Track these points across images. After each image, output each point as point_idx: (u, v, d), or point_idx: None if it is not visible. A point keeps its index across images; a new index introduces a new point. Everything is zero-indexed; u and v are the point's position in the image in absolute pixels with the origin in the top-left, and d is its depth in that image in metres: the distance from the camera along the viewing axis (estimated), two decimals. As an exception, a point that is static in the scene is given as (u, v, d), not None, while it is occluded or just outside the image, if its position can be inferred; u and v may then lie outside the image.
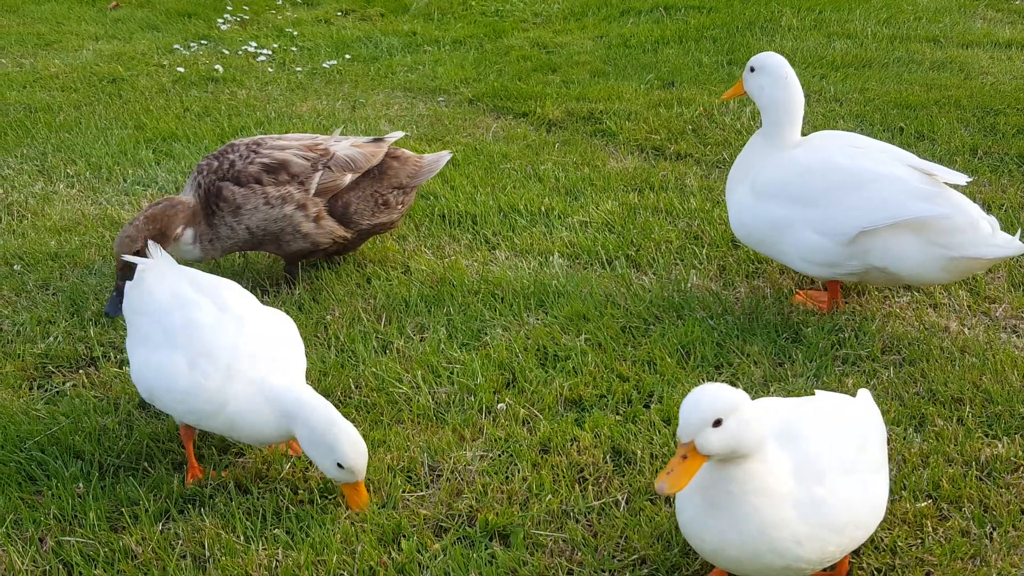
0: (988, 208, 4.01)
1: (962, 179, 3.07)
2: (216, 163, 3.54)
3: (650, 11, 7.35)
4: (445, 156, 3.81)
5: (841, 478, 2.07)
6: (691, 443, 1.94)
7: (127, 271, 3.10)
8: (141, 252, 3.12)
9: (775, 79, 3.27)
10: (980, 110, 5.05)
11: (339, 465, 2.41)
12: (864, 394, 2.36)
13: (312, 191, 3.50)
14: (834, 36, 6.49)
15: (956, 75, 5.64)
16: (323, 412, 2.41)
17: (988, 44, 6.22)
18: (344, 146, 3.61)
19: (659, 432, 2.76)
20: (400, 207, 3.70)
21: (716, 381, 2.98)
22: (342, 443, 2.39)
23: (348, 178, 3.55)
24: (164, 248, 3.12)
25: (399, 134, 3.78)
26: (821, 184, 3.08)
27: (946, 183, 3.05)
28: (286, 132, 5.20)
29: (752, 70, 3.37)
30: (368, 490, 2.55)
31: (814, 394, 2.34)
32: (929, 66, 5.82)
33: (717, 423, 1.93)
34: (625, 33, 6.83)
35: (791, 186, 3.16)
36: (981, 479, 2.55)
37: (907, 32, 6.50)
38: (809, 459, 2.07)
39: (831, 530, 2.04)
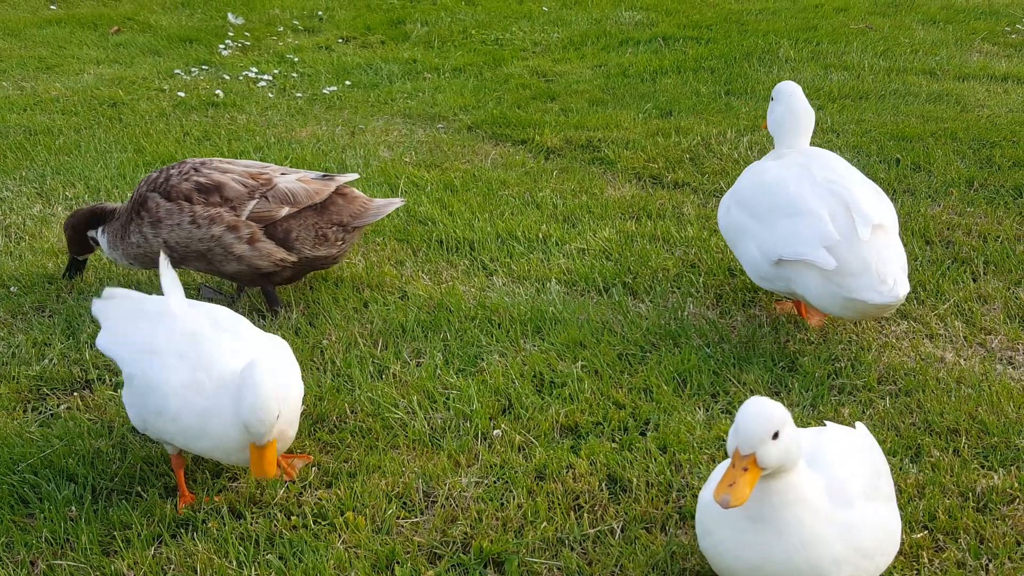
0: (984, 240, 4.03)
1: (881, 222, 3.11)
2: (156, 175, 3.63)
3: (648, 41, 7.43)
4: (396, 202, 3.76)
5: (866, 504, 2.08)
6: (751, 456, 1.94)
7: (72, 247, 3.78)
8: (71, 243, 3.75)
9: (781, 99, 3.49)
10: (976, 142, 5.09)
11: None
12: (861, 427, 2.36)
13: (244, 217, 3.48)
14: (831, 68, 6.57)
15: (952, 107, 5.70)
16: (247, 368, 2.36)
17: (984, 77, 6.29)
18: (289, 180, 3.58)
19: (655, 460, 2.76)
20: (340, 244, 3.62)
21: (712, 409, 2.99)
22: (244, 394, 2.31)
23: (284, 211, 3.51)
24: (83, 250, 3.81)
25: (352, 176, 3.74)
26: (768, 202, 3.27)
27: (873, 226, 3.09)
28: (286, 157, 5.24)
29: (772, 99, 3.59)
30: (364, 517, 2.53)
31: (823, 425, 2.35)
32: (925, 98, 5.88)
33: (775, 436, 1.94)
34: (624, 63, 6.90)
35: (751, 197, 3.36)
36: (977, 510, 2.55)
37: (904, 65, 6.57)
38: (837, 482, 2.08)
39: (862, 555, 2.04)
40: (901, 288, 2.98)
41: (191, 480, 2.75)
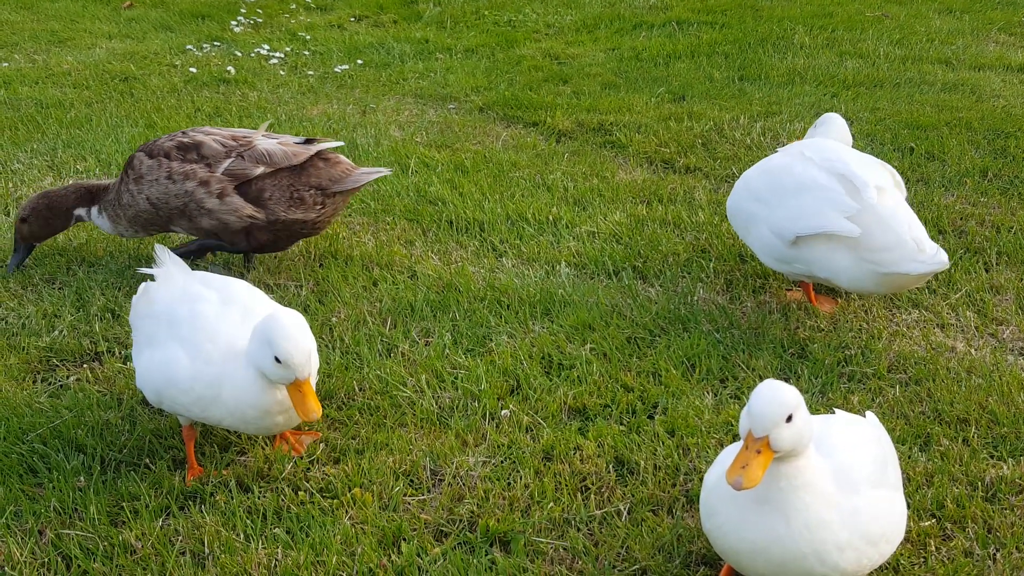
0: (997, 230, 4.01)
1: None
2: (149, 142, 3.71)
3: (662, 25, 7.37)
4: (381, 171, 3.71)
5: (872, 491, 2.08)
6: (765, 438, 1.94)
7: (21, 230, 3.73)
8: (28, 220, 3.71)
9: (822, 128, 3.70)
10: (991, 132, 5.04)
11: (276, 360, 2.33)
12: (871, 416, 2.36)
13: (218, 174, 3.52)
14: (846, 55, 6.51)
15: (967, 97, 5.65)
16: (269, 313, 2.41)
17: (1000, 67, 6.23)
18: (270, 142, 3.62)
19: (663, 443, 2.75)
20: (320, 208, 3.61)
21: (721, 394, 2.99)
22: (275, 332, 2.32)
23: (259, 170, 3.54)
24: (60, 227, 3.79)
25: (337, 143, 3.72)
26: (775, 185, 3.32)
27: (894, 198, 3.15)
28: (297, 135, 5.23)
29: (815, 126, 3.82)
30: (371, 494, 2.54)
31: (832, 412, 2.35)
32: (940, 87, 5.83)
33: (788, 419, 1.95)
34: (637, 46, 6.85)
35: (759, 183, 3.42)
36: (986, 500, 2.54)
37: (919, 53, 6.51)
38: (843, 469, 2.07)
39: (867, 541, 2.04)
40: (942, 254, 2.96)
41: (200, 453, 2.76)
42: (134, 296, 2.76)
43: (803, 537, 2.00)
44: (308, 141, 3.67)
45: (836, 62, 6.35)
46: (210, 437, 2.82)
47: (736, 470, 1.92)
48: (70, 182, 4.04)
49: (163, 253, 2.76)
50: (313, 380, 2.41)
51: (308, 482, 2.62)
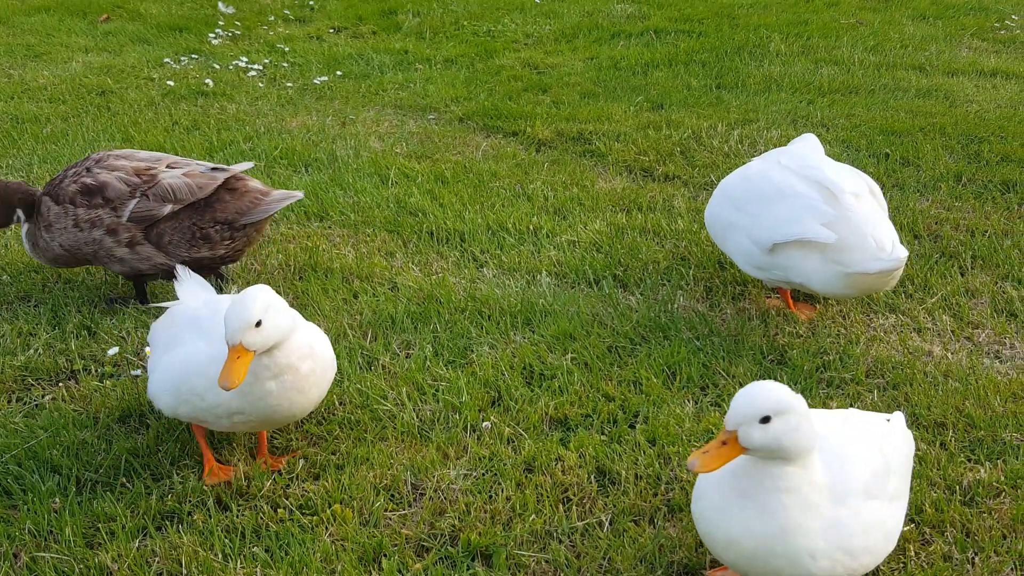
0: (972, 234, 4.05)
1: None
2: (60, 174, 3.58)
3: (640, 35, 7.41)
4: (294, 195, 3.55)
5: (863, 502, 2.07)
6: (735, 432, 1.97)
7: None
8: None
9: (796, 143, 3.70)
10: (964, 137, 5.10)
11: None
12: (898, 417, 2.34)
13: (125, 217, 3.41)
14: (822, 62, 6.57)
15: (941, 103, 5.71)
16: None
17: (973, 73, 6.30)
18: (174, 174, 3.46)
19: (644, 452, 2.75)
20: (229, 243, 3.49)
21: (701, 402, 2.99)
22: (235, 297, 2.35)
23: (166, 208, 3.40)
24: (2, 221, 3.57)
25: (246, 165, 3.60)
26: (754, 196, 3.37)
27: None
28: (275, 147, 5.21)
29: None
30: (351, 509, 2.52)
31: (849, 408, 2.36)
32: (915, 93, 5.89)
33: (765, 420, 1.96)
34: (615, 55, 6.89)
35: (737, 192, 3.47)
36: (964, 504, 2.56)
37: (893, 60, 6.58)
38: (839, 477, 2.07)
39: (845, 552, 2.04)
40: (900, 250, 3.04)
41: (177, 466, 2.73)
42: (154, 322, 2.78)
43: (776, 538, 2.01)
44: (215, 169, 3.52)
45: (812, 69, 6.41)
46: (196, 455, 2.79)
47: (698, 453, 1.97)
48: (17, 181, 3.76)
49: (184, 273, 2.82)
50: (302, 406, 2.47)
51: (288, 499, 2.60)
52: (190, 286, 2.77)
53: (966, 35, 7.17)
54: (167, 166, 3.52)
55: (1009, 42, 7.03)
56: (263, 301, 2.36)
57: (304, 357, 2.49)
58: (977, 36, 7.17)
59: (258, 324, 2.34)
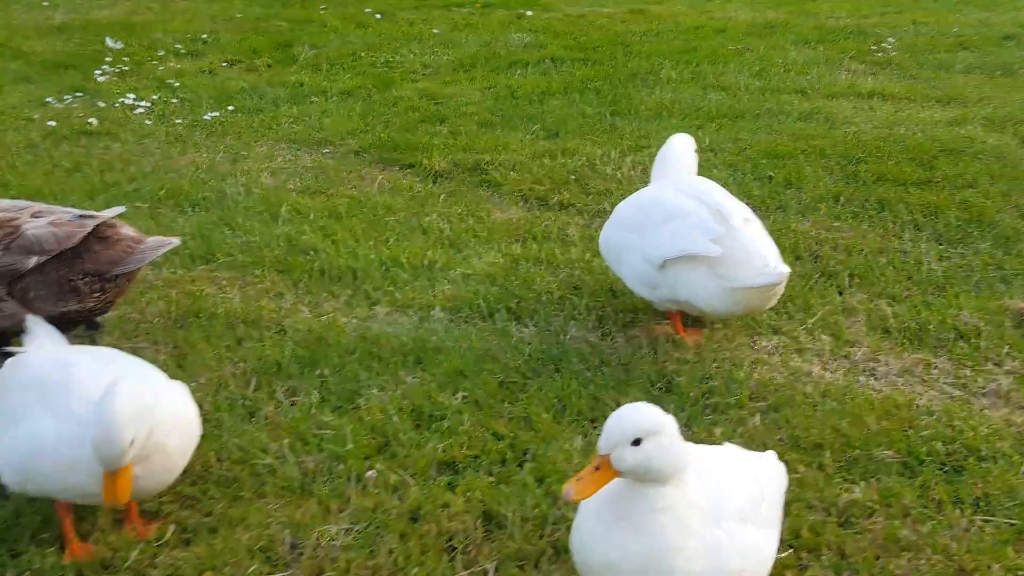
0: (849, 253, 4.21)
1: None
2: None
3: (537, 63, 7.50)
4: (169, 242, 3.38)
5: (738, 526, 2.10)
6: (607, 456, 1.99)
7: None
8: None
9: (664, 146, 3.79)
10: (843, 158, 5.32)
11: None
12: (771, 455, 2.42)
13: None
14: (710, 88, 6.77)
15: (822, 125, 5.95)
16: (107, 390, 2.26)
17: (852, 95, 6.60)
18: (39, 224, 3.25)
19: (532, 492, 2.74)
20: (99, 295, 3.30)
21: (595, 431, 3.00)
22: (101, 414, 2.19)
23: (32, 261, 3.18)
24: None
25: (118, 209, 3.43)
26: (647, 217, 3.49)
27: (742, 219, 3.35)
28: (162, 187, 5.04)
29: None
30: (220, 572, 2.42)
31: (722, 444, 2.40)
32: (797, 116, 6.12)
33: (636, 442, 1.97)
34: (512, 84, 6.95)
35: (630, 217, 3.58)
36: (840, 525, 2.62)
37: (777, 84, 6.83)
38: (714, 500, 2.10)
39: (723, 574, 2.05)
40: (782, 266, 3.17)
41: (33, 539, 2.57)
42: None
43: (653, 559, 2.02)
44: (84, 216, 3.31)
45: (701, 95, 6.60)
46: (58, 528, 2.63)
47: (572, 481, 1.98)
48: None
49: (34, 323, 2.62)
50: (164, 481, 2.36)
51: (156, 569, 2.47)
52: (39, 337, 2.59)
53: (845, 58, 7.51)
54: (32, 215, 3.31)
55: (885, 64, 7.40)
56: (128, 415, 2.22)
57: (170, 432, 2.38)
58: (856, 59, 7.52)
59: (132, 442, 2.23)
